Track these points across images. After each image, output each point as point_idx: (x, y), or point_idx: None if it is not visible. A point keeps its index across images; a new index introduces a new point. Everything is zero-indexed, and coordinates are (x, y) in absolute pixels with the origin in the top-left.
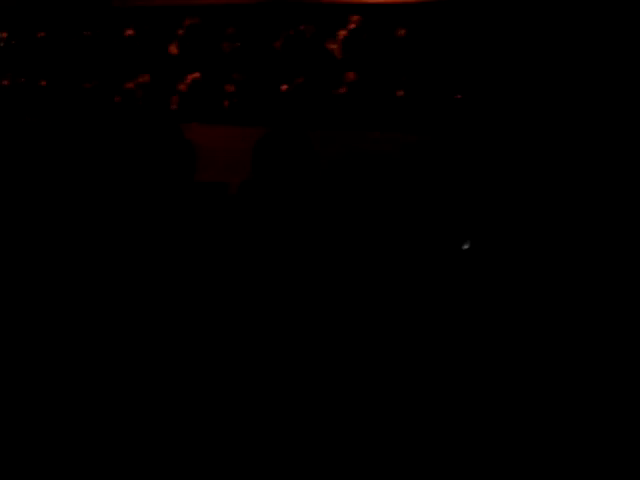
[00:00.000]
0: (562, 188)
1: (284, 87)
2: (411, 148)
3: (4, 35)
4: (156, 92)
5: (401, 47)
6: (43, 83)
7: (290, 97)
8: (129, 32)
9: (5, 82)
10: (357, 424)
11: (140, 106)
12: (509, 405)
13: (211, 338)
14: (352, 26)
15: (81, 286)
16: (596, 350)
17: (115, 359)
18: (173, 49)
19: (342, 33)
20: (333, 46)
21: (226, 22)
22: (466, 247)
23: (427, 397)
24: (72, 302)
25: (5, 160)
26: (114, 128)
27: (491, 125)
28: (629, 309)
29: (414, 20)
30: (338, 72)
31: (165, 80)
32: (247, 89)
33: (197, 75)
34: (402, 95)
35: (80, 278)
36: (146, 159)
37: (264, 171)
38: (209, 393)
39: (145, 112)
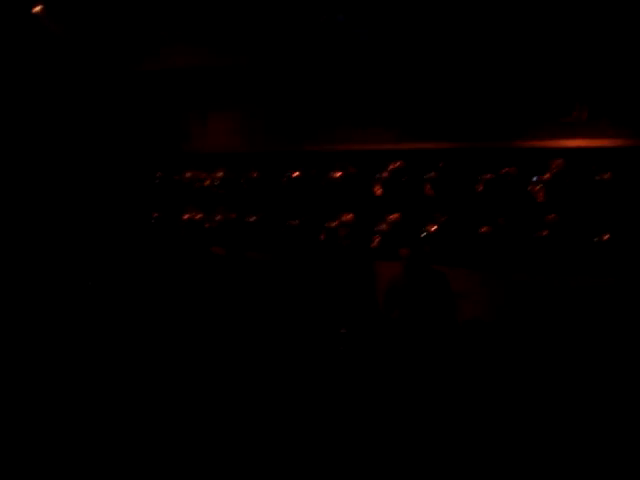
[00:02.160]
0: None
1: (485, 229)
2: None
3: (220, 174)
4: (358, 231)
5: (605, 190)
6: (252, 219)
7: (491, 239)
8: (335, 174)
9: (218, 217)
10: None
11: (342, 244)
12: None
13: None
14: (554, 169)
15: None
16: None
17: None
18: (377, 190)
19: (545, 176)
20: (535, 189)
21: (428, 165)
22: None
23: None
24: None
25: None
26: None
27: None
28: None
29: (618, 163)
30: (540, 214)
31: (367, 220)
32: (448, 230)
33: (397, 216)
34: (607, 239)
35: None
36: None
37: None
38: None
39: (347, 250)
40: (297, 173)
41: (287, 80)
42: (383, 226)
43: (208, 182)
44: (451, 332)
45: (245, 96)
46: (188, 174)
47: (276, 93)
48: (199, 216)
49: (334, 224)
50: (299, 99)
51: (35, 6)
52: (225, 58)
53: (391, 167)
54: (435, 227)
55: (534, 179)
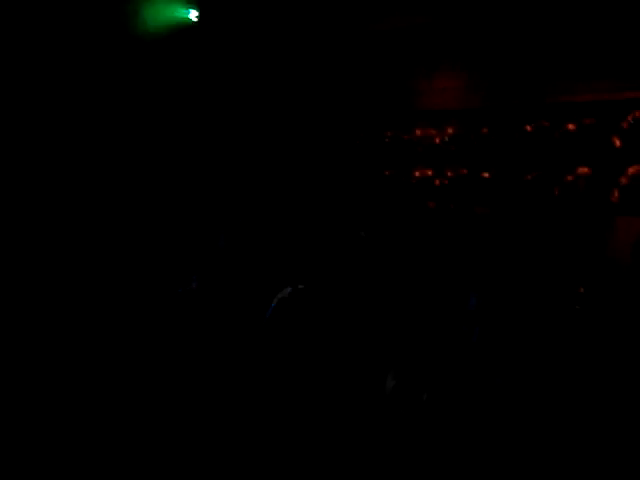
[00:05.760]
0: None
1: None
2: None
3: (450, 131)
4: (596, 184)
5: None
6: (485, 175)
7: None
8: (570, 126)
9: (449, 174)
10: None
11: (580, 198)
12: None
13: None
14: None
15: None
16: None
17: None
18: (616, 141)
19: None
20: None
21: None
22: None
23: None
24: None
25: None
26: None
27: None
28: None
29: None
30: None
31: (606, 172)
32: None
33: (639, 168)
34: None
35: None
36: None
37: None
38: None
39: (585, 204)
40: (529, 126)
41: (514, 33)
42: (623, 179)
43: (438, 139)
44: None
45: (472, 51)
46: (418, 132)
47: (503, 47)
48: (430, 173)
49: (570, 177)
50: (527, 51)
51: None
52: (449, 15)
53: (631, 116)
54: None
55: None
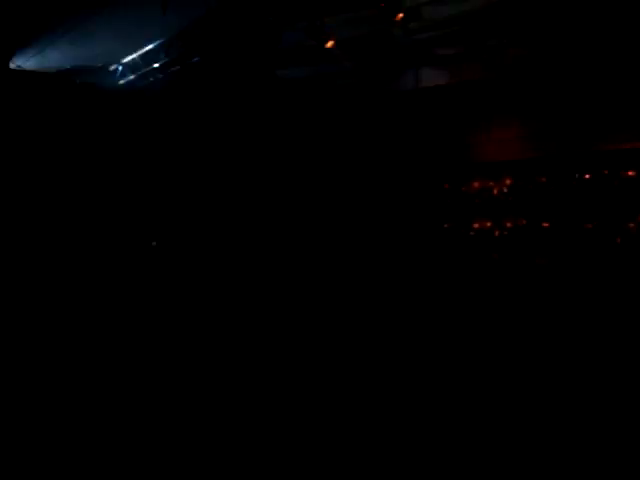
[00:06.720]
0: None
1: None
2: None
3: (508, 182)
4: None
5: None
6: (545, 225)
7: None
8: (630, 173)
9: (508, 224)
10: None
11: None
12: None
13: None
14: None
15: None
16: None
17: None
18: None
19: None
20: None
21: None
22: None
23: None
24: None
25: None
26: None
27: None
28: None
29: None
30: None
31: None
32: None
33: None
34: None
35: None
36: None
37: None
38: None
39: None
40: (588, 174)
41: (570, 82)
42: None
43: (496, 190)
44: None
45: (528, 102)
46: (476, 184)
47: (559, 96)
48: (489, 224)
49: (632, 225)
50: (583, 100)
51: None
52: (505, 70)
53: None
54: None
55: None
